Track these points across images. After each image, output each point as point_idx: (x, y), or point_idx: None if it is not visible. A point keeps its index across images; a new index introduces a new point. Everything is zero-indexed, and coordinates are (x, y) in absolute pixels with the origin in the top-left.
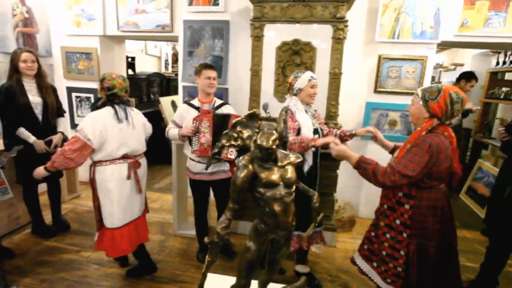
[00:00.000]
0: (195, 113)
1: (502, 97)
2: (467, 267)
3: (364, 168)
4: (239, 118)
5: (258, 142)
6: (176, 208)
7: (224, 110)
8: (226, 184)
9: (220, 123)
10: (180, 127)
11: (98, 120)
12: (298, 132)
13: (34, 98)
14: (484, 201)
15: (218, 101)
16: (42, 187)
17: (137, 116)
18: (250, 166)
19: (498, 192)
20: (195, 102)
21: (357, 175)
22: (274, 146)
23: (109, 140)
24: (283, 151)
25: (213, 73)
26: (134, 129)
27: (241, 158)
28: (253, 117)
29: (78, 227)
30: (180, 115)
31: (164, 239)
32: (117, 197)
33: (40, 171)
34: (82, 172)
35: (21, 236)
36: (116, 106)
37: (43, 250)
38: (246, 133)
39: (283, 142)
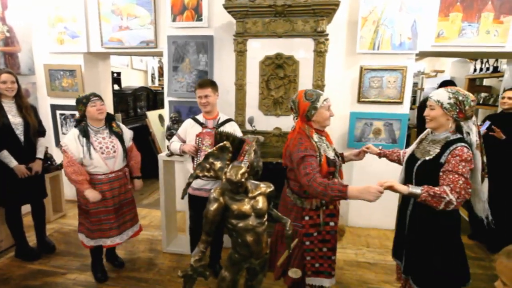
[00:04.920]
0: (199, 128)
1: (481, 102)
2: None
3: None
4: (210, 150)
5: (227, 176)
6: (165, 225)
7: (228, 127)
8: None
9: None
10: (184, 141)
11: None
12: None
13: (15, 119)
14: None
15: (224, 117)
16: (26, 208)
17: None
18: (221, 199)
19: None
20: (200, 117)
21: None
22: (243, 180)
23: None
24: (254, 181)
25: (203, 91)
26: None
27: (212, 190)
28: (224, 150)
29: (64, 248)
30: (184, 130)
31: (153, 256)
32: None
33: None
34: (68, 191)
35: (4, 260)
36: None
37: (27, 274)
38: (218, 165)
39: (255, 172)
